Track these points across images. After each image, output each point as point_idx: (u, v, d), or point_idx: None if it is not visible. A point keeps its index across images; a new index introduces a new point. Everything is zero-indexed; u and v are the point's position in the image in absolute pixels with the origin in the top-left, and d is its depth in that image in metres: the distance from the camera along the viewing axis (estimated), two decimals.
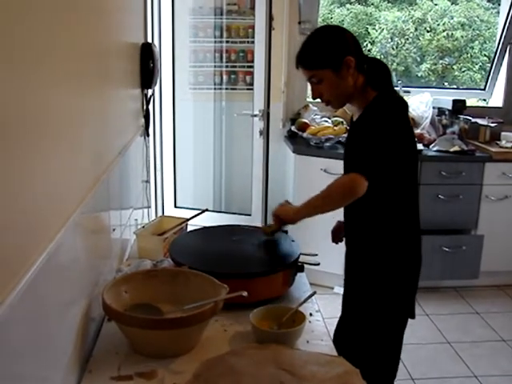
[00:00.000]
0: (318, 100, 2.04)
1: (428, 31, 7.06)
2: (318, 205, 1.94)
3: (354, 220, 2.10)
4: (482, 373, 3.18)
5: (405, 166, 1.97)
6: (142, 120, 2.86)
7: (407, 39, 7.10)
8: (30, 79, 1.07)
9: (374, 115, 1.91)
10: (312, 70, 1.96)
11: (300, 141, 4.16)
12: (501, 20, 4.75)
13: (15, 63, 0.98)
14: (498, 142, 4.23)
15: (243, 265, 1.86)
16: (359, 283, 2.09)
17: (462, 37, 7.03)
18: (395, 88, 2.05)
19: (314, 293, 1.82)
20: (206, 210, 2.36)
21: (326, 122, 4.29)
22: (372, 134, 1.87)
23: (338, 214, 2.14)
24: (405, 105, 1.98)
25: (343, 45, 1.94)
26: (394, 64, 6.79)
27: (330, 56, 1.93)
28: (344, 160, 2.09)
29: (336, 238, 2.35)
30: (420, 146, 4.03)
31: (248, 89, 4.40)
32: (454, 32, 7.00)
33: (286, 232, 2.08)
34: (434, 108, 4.36)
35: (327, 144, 4.00)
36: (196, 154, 4.67)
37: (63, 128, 1.31)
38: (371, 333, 2.02)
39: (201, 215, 2.29)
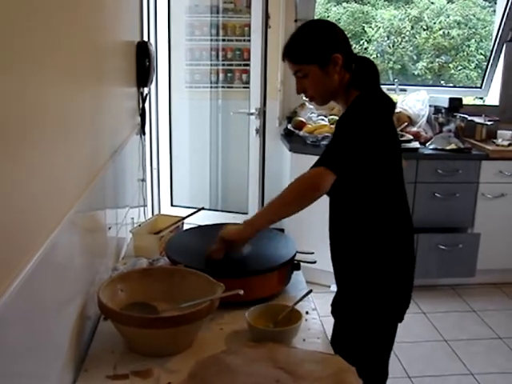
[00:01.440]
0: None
1: (424, 29, 7.07)
2: (275, 211, 1.83)
3: (338, 222, 2.02)
4: (478, 370, 3.18)
5: (385, 164, 1.89)
6: (138, 118, 2.86)
7: (404, 37, 7.11)
8: (26, 78, 1.06)
9: (349, 114, 1.85)
10: (298, 64, 1.91)
11: (296, 139, 4.16)
12: (497, 18, 4.75)
13: (10, 61, 0.98)
14: (495, 140, 4.24)
15: (239, 263, 1.86)
16: (347, 285, 2.03)
17: (458, 35, 7.04)
18: (382, 87, 1.96)
19: (311, 291, 1.82)
20: (203, 208, 2.36)
21: (323, 120, 4.29)
22: (341, 129, 1.83)
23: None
24: (389, 104, 1.92)
25: (332, 41, 1.89)
26: (391, 62, 6.80)
27: (318, 52, 1.87)
28: None
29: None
30: (416, 144, 4.04)
31: (244, 87, 4.40)
32: (450, 30, 7.02)
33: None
34: (430, 106, 4.37)
35: (324, 142, 3.99)
36: (192, 152, 4.66)
37: (59, 126, 1.30)
38: (360, 333, 1.98)
39: (197, 213, 2.28)
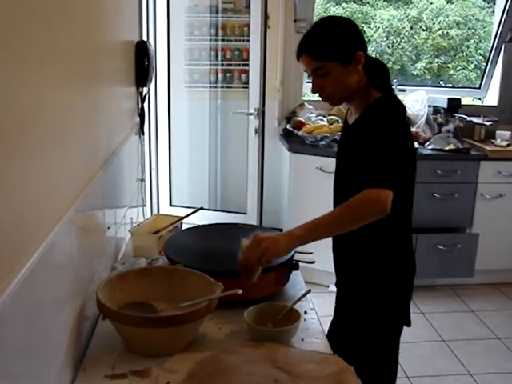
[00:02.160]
0: (313, 98, 1.96)
1: (423, 30, 7.06)
2: (325, 228, 1.70)
3: None
4: (477, 371, 3.19)
5: (406, 170, 1.85)
6: (137, 118, 2.86)
7: (403, 38, 7.10)
8: (24, 78, 1.06)
9: (375, 121, 1.78)
10: (318, 61, 1.80)
11: (295, 139, 4.16)
12: (496, 19, 4.75)
13: (8, 61, 0.98)
14: (493, 141, 4.24)
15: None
16: (351, 286, 2.02)
17: (457, 35, 7.04)
18: (393, 89, 1.94)
19: (309, 291, 1.82)
20: (201, 208, 2.36)
21: (322, 120, 4.28)
22: (378, 141, 1.73)
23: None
24: (403, 108, 1.87)
25: (355, 38, 1.82)
26: (390, 62, 6.80)
27: (342, 48, 1.79)
28: (337, 163, 2.00)
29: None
30: (415, 145, 4.03)
31: (243, 87, 4.40)
32: (449, 31, 7.01)
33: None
34: (429, 106, 4.36)
35: (322, 142, 4.00)
36: (191, 152, 4.67)
37: (57, 126, 1.30)
38: (365, 334, 1.98)
39: (196, 213, 2.28)
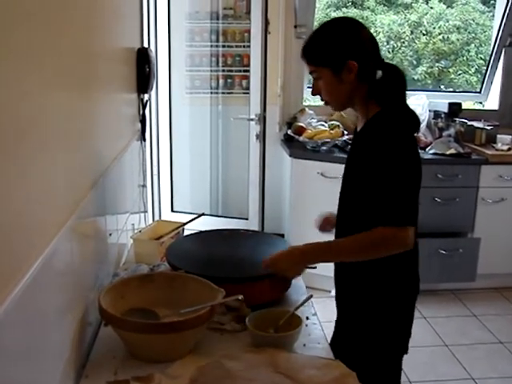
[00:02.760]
0: (314, 103, 1.90)
1: (424, 34, 7.08)
2: (338, 254, 1.78)
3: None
4: (479, 375, 3.18)
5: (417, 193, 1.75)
6: (139, 125, 2.86)
7: (403, 42, 7.12)
8: (24, 85, 1.07)
9: (375, 145, 1.69)
10: (313, 66, 1.79)
11: (296, 144, 4.17)
12: (495, 24, 4.76)
13: (7, 68, 0.99)
14: (494, 145, 4.24)
15: (240, 269, 1.86)
16: (351, 300, 1.94)
17: (457, 40, 7.05)
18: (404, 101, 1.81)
19: (311, 296, 1.82)
20: (203, 214, 2.36)
21: (323, 125, 4.29)
22: (384, 171, 1.66)
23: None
24: (414, 121, 1.79)
25: (351, 46, 1.75)
26: None
27: (333, 55, 1.75)
28: (345, 169, 1.92)
29: (322, 228, 2.14)
30: None
31: (244, 93, 4.41)
32: (449, 35, 7.03)
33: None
34: (430, 111, 4.37)
35: (324, 148, 4.01)
36: (193, 158, 4.67)
37: (59, 133, 1.31)
38: (367, 343, 1.89)
39: (198, 219, 2.28)
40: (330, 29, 1.82)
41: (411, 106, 1.80)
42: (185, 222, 2.31)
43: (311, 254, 1.78)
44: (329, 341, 1.74)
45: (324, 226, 2.14)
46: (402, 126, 1.73)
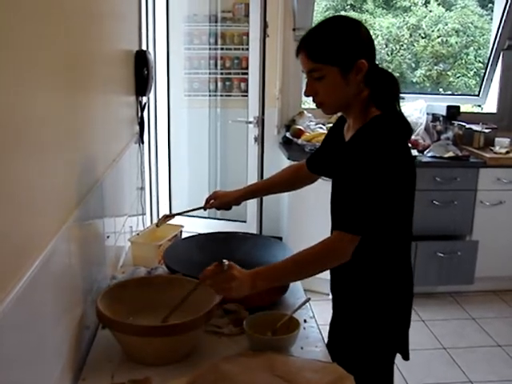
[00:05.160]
0: (313, 106, 1.77)
1: (423, 37, 7.09)
2: (287, 273, 1.63)
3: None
4: (477, 378, 3.18)
5: (402, 199, 1.70)
6: (137, 127, 2.86)
7: (402, 45, 7.12)
8: (20, 87, 1.07)
9: (365, 147, 1.61)
10: (316, 63, 1.63)
11: (295, 147, 4.17)
12: (494, 27, 4.77)
13: (5, 71, 0.99)
14: (492, 148, 4.25)
15: None
16: (347, 301, 1.89)
17: (456, 43, 7.06)
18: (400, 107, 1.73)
19: (309, 299, 1.82)
20: (202, 207, 2.30)
21: (321, 128, 4.30)
22: (360, 176, 1.59)
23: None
24: (407, 130, 1.71)
25: (362, 45, 1.64)
26: (389, 70, 6.82)
27: (344, 53, 1.61)
28: (332, 181, 1.85)
29: (207, 203, 2.20)
30: (415, 152, 4.04)
31: (243, 95, 4.41)
32: (448, 38, 7.03)
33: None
34: (428, 114, 4.38)
35: None
36: (191, 160, 4.67)
37: (57, 135, 1.31)
38: (362, 346, 1.84)
39: (195, 222, 2.28)
40: (334, 25, 1.67)
41: (410, 109, 1.80)
42: (182, 211, 2.28)
43: (266, 284, 1.60)
44: (326, 342, 1.74)
45: (208, 200, 2.20)
46: (395, 132, 1.65)
